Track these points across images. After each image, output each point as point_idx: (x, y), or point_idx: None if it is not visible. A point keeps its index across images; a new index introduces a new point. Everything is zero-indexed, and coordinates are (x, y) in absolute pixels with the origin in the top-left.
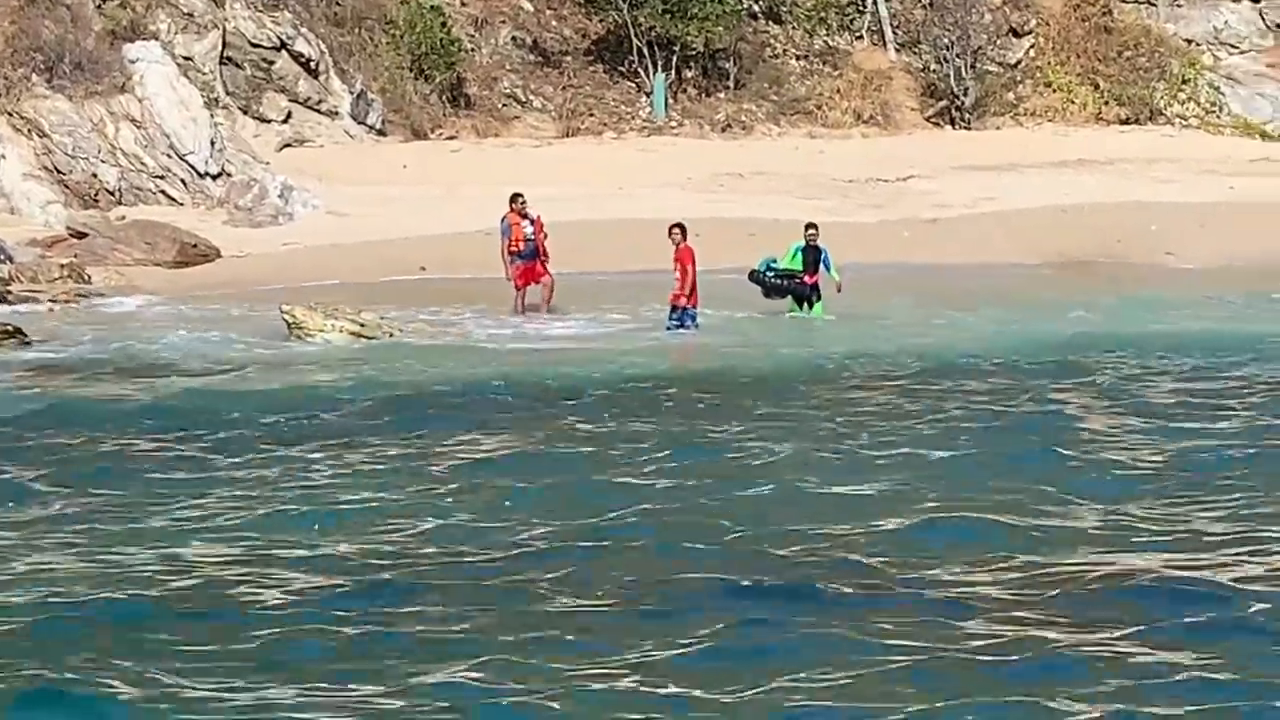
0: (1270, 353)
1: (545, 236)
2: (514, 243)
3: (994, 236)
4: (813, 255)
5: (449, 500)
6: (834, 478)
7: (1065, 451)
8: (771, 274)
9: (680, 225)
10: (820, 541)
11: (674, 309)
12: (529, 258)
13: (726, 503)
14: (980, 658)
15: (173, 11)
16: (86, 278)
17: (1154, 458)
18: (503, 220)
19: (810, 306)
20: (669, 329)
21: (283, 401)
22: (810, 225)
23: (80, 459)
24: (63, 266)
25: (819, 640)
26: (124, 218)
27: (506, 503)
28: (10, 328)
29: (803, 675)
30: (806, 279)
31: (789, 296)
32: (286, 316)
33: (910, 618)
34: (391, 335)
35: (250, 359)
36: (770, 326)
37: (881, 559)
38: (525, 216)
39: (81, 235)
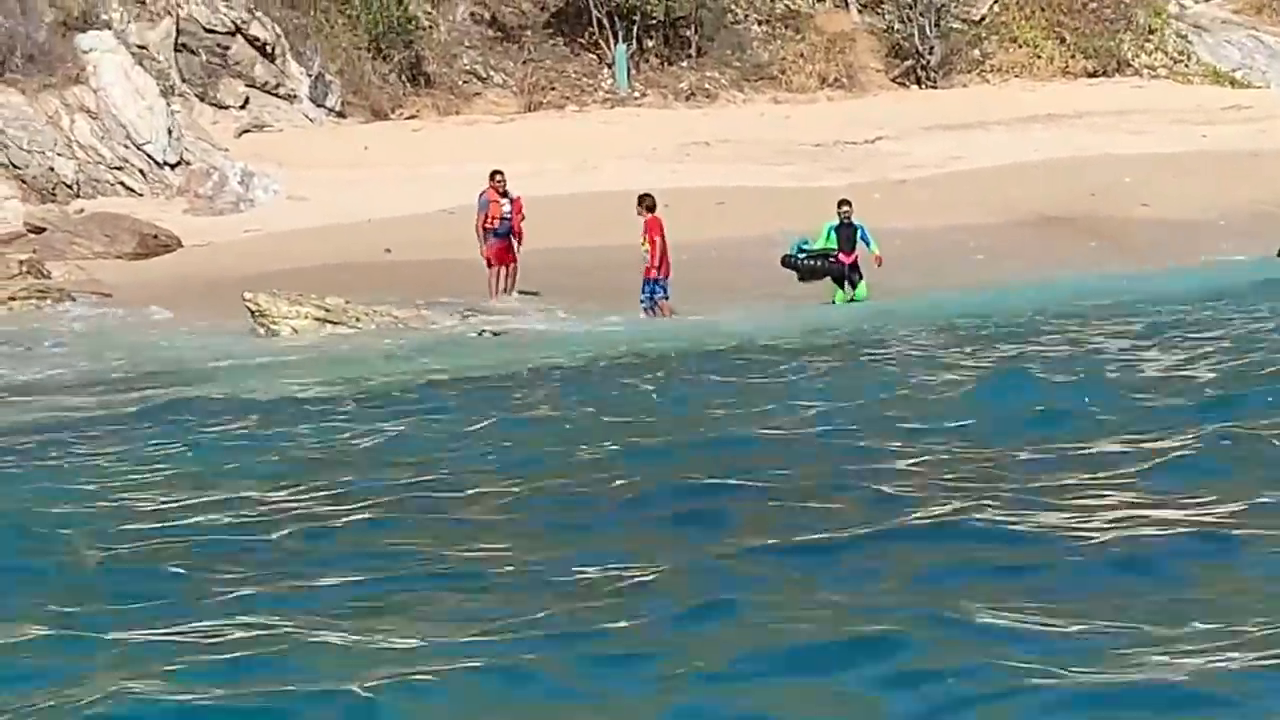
0: None
1: (523, 219)
2: (489, 219)
3: (965, 196)
4: (848, 232)
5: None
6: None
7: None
8: (804, 255)
9: (647, 196)
10: None
11: (646, 282)
12: (502, 235)
13: None
14: None
15: (125, 0)
16: (46, 273)
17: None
18: (481, 195)
19: (852, 287)
20: (642, 303)
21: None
22: (844, 201)
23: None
24: (21, 263)
25: None
26: (82, 211)
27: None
28: None
29: None
30: (843, 258)
31: (827, 279)
32: (250, 305)
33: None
34: (358, 320)
35: (221, 354)
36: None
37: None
38: (505, 195)
39: (39, 230)
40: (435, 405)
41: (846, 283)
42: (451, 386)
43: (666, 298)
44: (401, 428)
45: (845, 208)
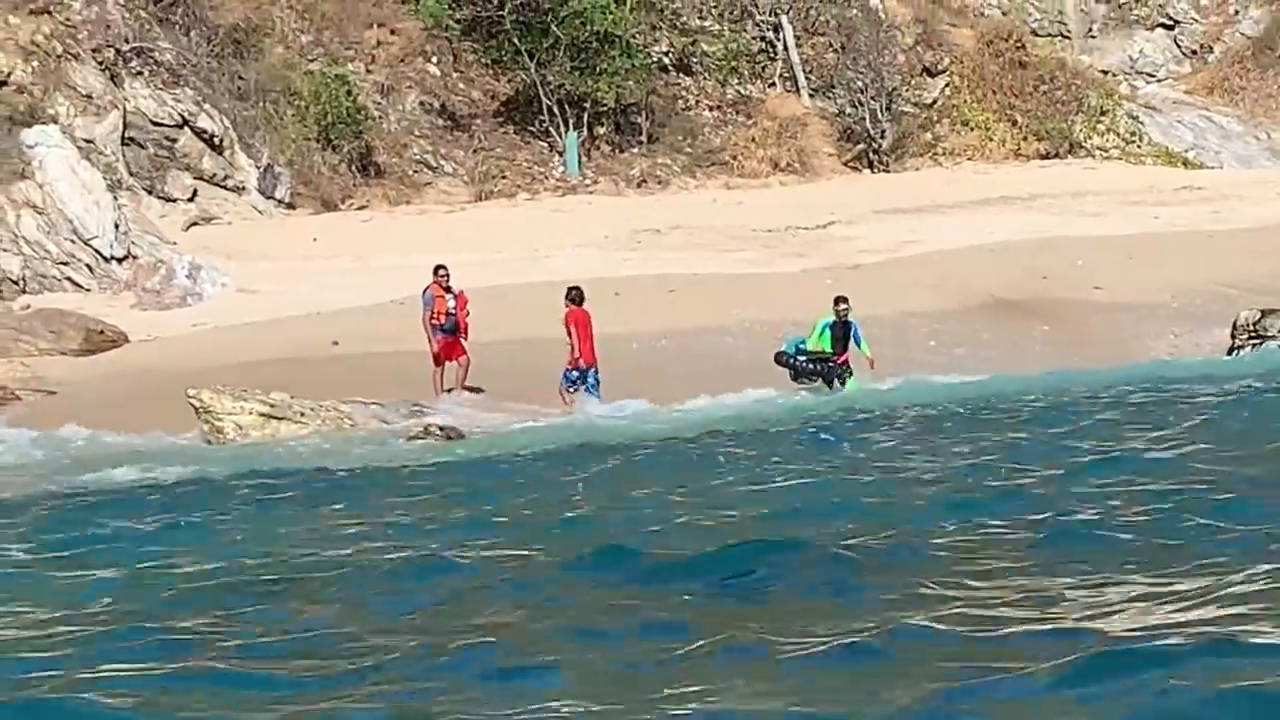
0: None
1: (468, 314)
2: (435, 315)
3: (918, 280)
4: (842, 331)
5: None
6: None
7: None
8: (803, 358)
9: (574, 289)
10: None
11: (566, 371)
12: (449, 332)
13: None
14: None
15: (71, 94)
16: None
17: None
18: (425, 291)
19: (841, 384)
20: (565, 386)
21: None
22: (840, 299)
23: None
24: None
25: None
26: (28, 307)
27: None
28: None
29: None
30: (837, 360)
31: (818, 380)
32: (194, 401)
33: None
34: (303, 415)
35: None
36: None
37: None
38: (448, 290)
39: None
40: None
41: (836, 380)
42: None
43: (580, 387)
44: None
45: (843, 305)
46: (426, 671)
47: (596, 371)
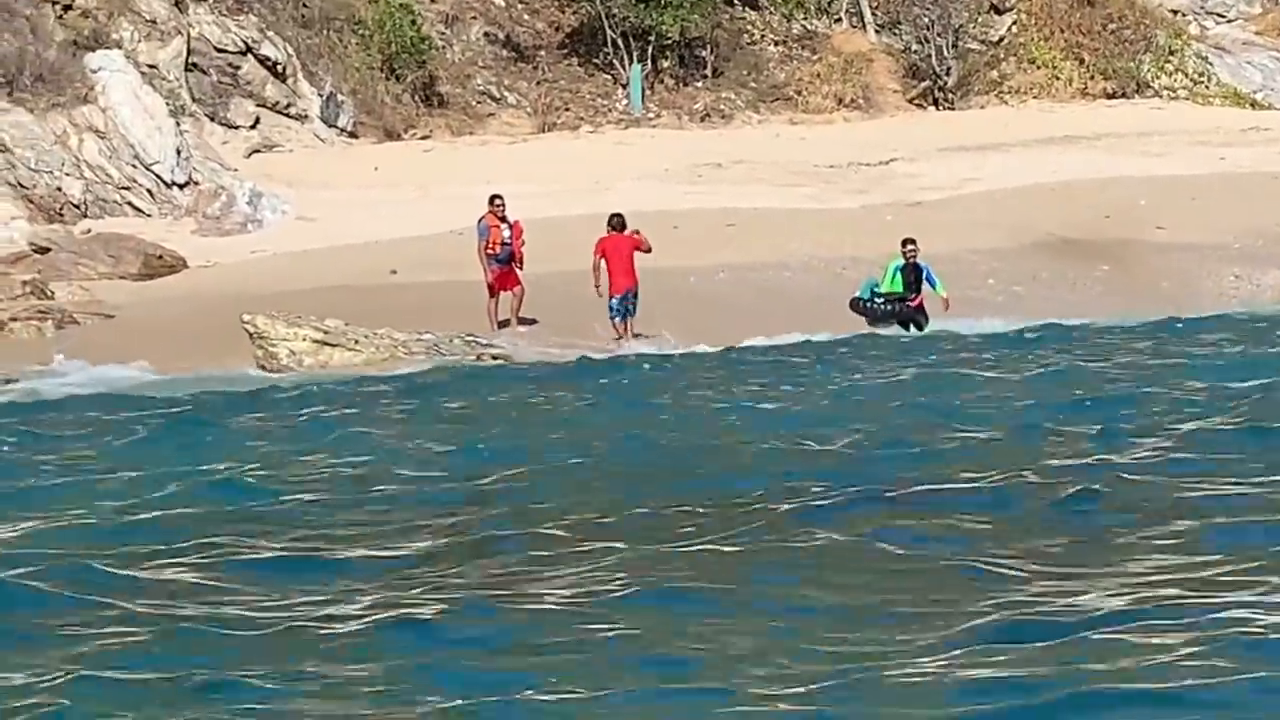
0: None
1: (523, 244)
2: (490, 245)
3: (979, 218)
4: (913, 274)
5: None
6: None
7: None
8: (880, 300)
9: (614, 216)
10: None
11: (612, 299)
12: (504, 262)
13: None
14: None
15: (135, 19)
16: (49, 294)
17: None
18: (480, 221)
19: (919, 328)
20: (612, 318)
21: None
22: (908, 240)
23: None
24: (25, 283)
25: None
26: (89, 231)
27: None
28: None
29: None
30: (911, 302)
31: (896, 323)
32: (248, 327)
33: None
34: (357, 343)
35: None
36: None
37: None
38: (504, 220)
39: (44, 250)
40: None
41: (913, 325)
42: None
43: (627, 317)
44: None
45: (910, 247)
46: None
47: (634, 296)
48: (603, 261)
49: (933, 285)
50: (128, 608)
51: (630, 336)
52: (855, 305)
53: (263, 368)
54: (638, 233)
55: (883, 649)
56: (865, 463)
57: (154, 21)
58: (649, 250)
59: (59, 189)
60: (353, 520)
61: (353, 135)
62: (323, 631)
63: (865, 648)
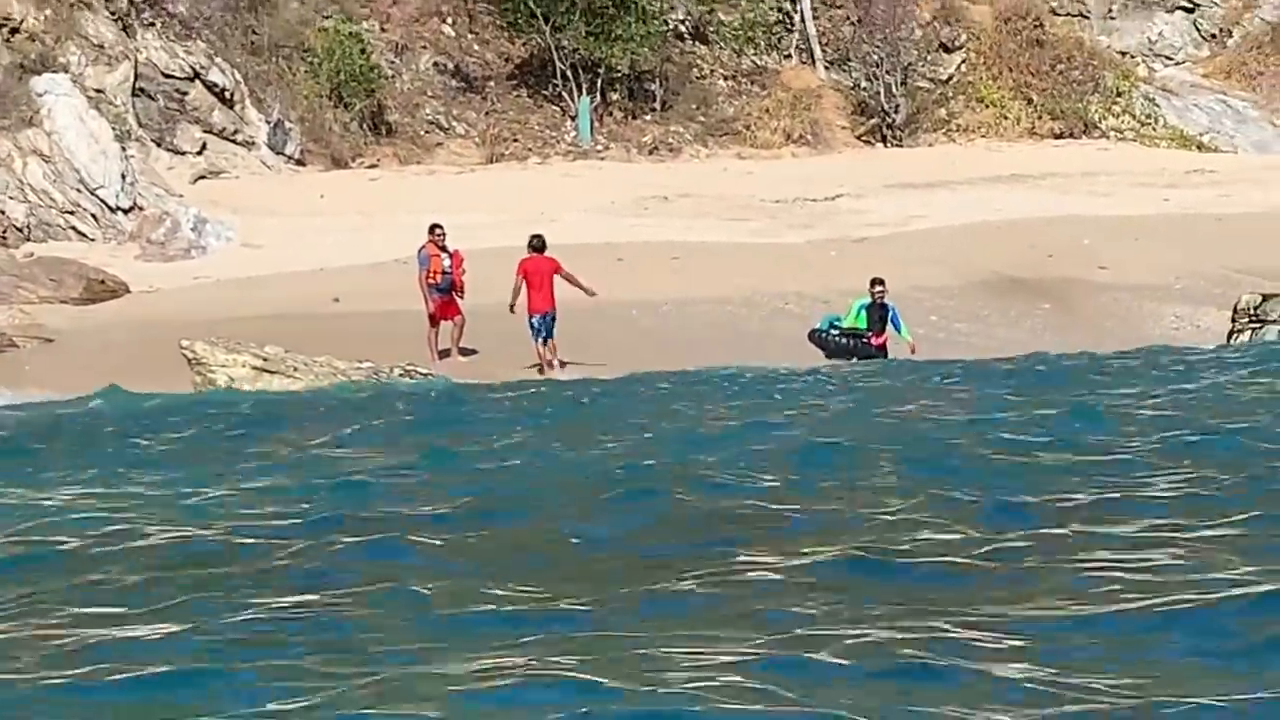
0: None
1: (464, 273)
2: (431, 274)
3: (924, 254)
4: (879, 313)
5: None
6: None
7: None
8: (836, 333)
9: (535, 236)
10: None
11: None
12: (445, 291)
13: None
14: None
15: (82, 44)
16: None
17: None
18: (420, 250)
19: None
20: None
21: None
22: (876, 280)
23: None
24: None
25: None
26: (32, 255)
27: None
28: None
29: None
30: (873, 339)
31: (853, 359)
32: (186, 352)
33: None
34: (296, 370)
35: None
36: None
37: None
38: (444, 249)
39: None
40: None
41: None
42: None
43: (545, 338)
44: None
45: (879, 288)
46: None
47: (553, 319)
48: (523, 283)
49: (897, 328)
50: None
51: (552, 361)
52: (813, 337)
53: (199, 394)
54: (575, 278)
55: None
56: None
57: (101, 46)
58: (593, 294)
59: (2, 212)
60: None
61: (300, 163)
62: None
63: None
